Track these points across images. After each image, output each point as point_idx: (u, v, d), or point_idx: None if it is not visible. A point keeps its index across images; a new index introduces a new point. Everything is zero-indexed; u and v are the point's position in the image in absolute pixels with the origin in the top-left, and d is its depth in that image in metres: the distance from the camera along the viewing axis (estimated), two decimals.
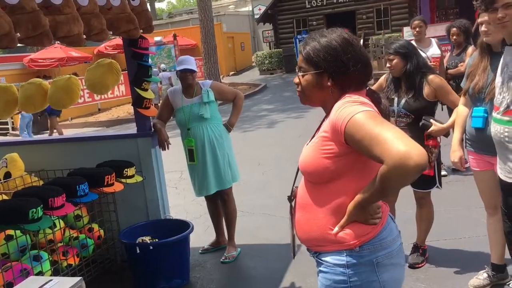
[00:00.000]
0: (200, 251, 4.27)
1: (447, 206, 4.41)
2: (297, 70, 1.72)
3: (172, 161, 8.15)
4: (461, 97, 3.14)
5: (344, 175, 1.59)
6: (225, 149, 4.00)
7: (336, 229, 1.60)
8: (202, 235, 4.54)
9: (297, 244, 1.84)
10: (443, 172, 5.49)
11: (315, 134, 1.76)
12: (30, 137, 10.40)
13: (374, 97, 1.69)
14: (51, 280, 1.71)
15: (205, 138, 3.94)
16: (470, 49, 5.36)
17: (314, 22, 22.14)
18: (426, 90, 3.33)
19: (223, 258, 4.06)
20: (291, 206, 1.79)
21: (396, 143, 1.39)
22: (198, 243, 4.30)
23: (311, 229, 1.66)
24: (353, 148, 1.54)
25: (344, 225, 1.59)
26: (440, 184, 3.49)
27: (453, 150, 3.06)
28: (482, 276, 3.08)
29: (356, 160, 1.58)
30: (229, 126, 4.11)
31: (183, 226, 3.71)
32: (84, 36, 3.00)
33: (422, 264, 3.48)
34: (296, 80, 1.72)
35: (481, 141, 2.85)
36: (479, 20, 2.47)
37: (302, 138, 8.61)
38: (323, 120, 1.72)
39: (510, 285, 2.99)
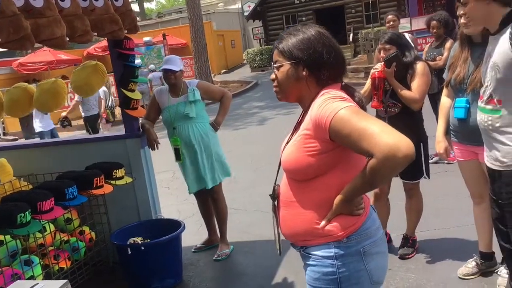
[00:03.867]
0: (193, 250, 4.28)
1: (435, 196, 4.45)
2: (272, 66, 1.73)
3: (164, 161, 8.15)
4: (444, 89, 3.17)
5: (328, 171, 1.61)
6: (211, 147, 4.01)
7: (323, 222, 1.62)
8: (195, 234, 4.55)
9: (282, 240, 1.85)
10: (434, 159, 5.55)
11: (293, 132, 1.77)
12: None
13: (349, 90, 1.70)
14: (36, 284, 1.71)
15: (191, 137, 3.94)
16: (449, 42, 5.40)
17: (304, 18, 22.14)
18: (411, 78, 3.36)
19: (215, 256, 4.07)
20: (274, 204, 1.80)
21: (384, 137, 1.42)
22: (191, 242, 4.31)
23: (297, 225, 1.68)
24: (338, 144, 1.56)
25: (331, 218, 1.61)
26: (428, 175, 3.52)
27: (438, 141, 3.09)
28: (470, 265, 3.12)
29: (340, 155, 1.60)
30: (215, 125, 4.11)
31: (175, 226, 3.72)
32: (68, 39, 3.00)
33: (412, 255, 3.51)
34: (272, 76, 1.73)
35: (464, 131, 2.88)
36: (458, 12, 2.49)
37: None
38: (301, 117, 1.74)
39: (498, 272, 3.02)
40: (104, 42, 18.96)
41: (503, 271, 2.98)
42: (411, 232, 3.61)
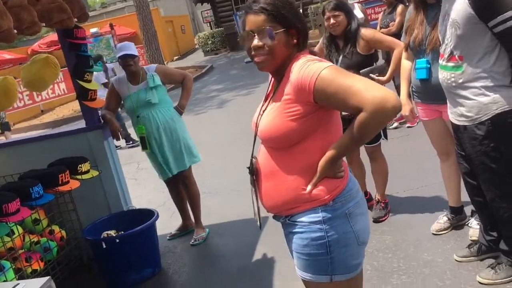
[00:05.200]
0: (168, 238, 4.23)
1: (400, 159, 4.56)
2: (253, 34, 1.63)
3: (127, 152, 8.00)
4: (403, 52, 3.22)
5: (310, 135, 1.61)
6: (178, 132, 3.94)
7: (309, 187, 1.62)
8: (167, 222, 4.50)
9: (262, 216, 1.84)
10: (394, 124, 5.69)
11: (264, 103, 1.76)
12: None
13: (317, 54, 1.71)
14: (17, 284, 1.63)
15: (156, 123, 3.86)
16: (399, 8, 5.50)
17: None
18: (360, 45, 3.44)
19: (192, 241, 4.04)
20: (252, 177, 1.78)
21: (372, 91, 1.46)
22: (165, 230, 4.26)
23: (281, 194, 1.67)
24: (322, 105, 1.56)
25: (317, 182, 1.61)
26: (386, 136, 3.63)
27: (402, 104, 3.14)
28: (442, 220, 3.22)
29: (322, 117, 1.61)
30: (179, 109, 4.04)
31: (148, 215, 3.65)
32: (16, 31, 2.84)
33: (386, 217, 3.60)
34: (259, 43, 1.62)
35: (427, 91, 2.94)
36: None
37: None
38: (271, 86, 1.74)
39: (469, 225, 3.14)
40: (48, 38, 18.29)
41: (473, 222, 3.10)
42: (382, 195, 3.69)
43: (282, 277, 3.20)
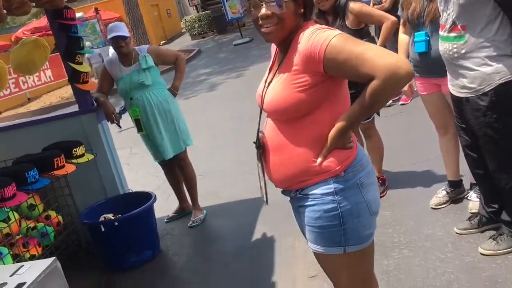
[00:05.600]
0: (165, 221, 4.21)
1: (396, 136, 4.56)
2: (260, 2, 1.58)
3: (119, 137, 7.91)
4: (400, 27, 3.20)
5: (319, 106, 1.59)
6: (173, 113, 3.89)
7: (319, 159, 1.60)
8: (164, 205, 4.46)
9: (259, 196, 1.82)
10: (389, 102, 5.68)
11: (268, 75, 1.73)
12: None
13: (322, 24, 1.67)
14: (22, 266, 1.60)
15: (150, 105, 3.80)
16: None
17: None
18: (349, 19, 3.41)
19: (190, 222, 4.02)
20: (258, 152, 1.75)
21: (384, 57, 1.44)
22: (162, 213, 4.23)
23: (291, 167, 1.65)
24: (331, 74, 1.54)
25: (327, 153, 1.59)
26: (378, 113, 3.63)
27: None
28: (441, 194, 3.24)
29: (330, 88, 1.58)
30: (173, 90, 3.99)
31: (145, 198, 3.62)
32: (5, 12, 2.76)
33: (384, 194, 3.60)
34: (267, 12, 1.57)
35: (426, 65, 2.92)
36: None
37: (246, 96, 8.58)
38: (275, 58, 1.71)
39: (468, 198, 3.15)
40: (32, 24, 17.96)
41: (472, 195, 3.11)
42: (378, 171, 3.69)
43: (282, 255, 3.21)
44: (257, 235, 3.59)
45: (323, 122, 1.60)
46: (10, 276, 1.53)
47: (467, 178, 3.17)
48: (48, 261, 1.59)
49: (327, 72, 1.53)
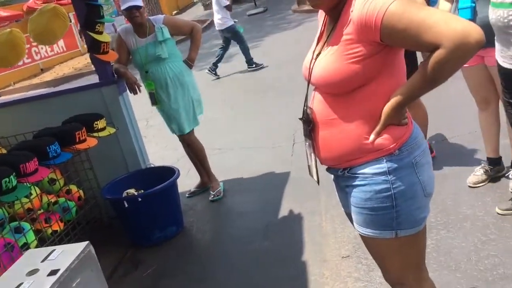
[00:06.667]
0: (187, 195, 4.12)
1: (432, 109, 4.35)
2: None
3: (134, 108, 7.80)
4: None
5: (374, 78, 1.44)
6: (188, 86, 3.77)
7: (372, 136, 1.46)
8: (184, 179, 4.35)
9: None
10: None
11: (316, 46, 1.57)
12: None
13: None
14: (54, 250, 1.49)
15: (166, 79, 3.68)
16: None
17: None
18: None
19: (211, 197, 3.93)
20: (308, 128, 1.61)
21: (451, 23, 1.27)
22: (183, 188, 4.12)
23: (342, 144, 1.51)
24: (384, 46, 1.39)
25: (381, 130, 1.46)
26: None
27: None
28: (479, 172, 3.08)
29: (386, 59, 1.43)
30: (189, 62, 3.85)
31: (168, 172, 3.52)
32: None
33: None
34: None
35: None
36: None
37: (265, 67, 8.28)
38: (324, 27, 1.56)
39: (510, 176, 2.99)
40: None
41: None
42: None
43: (311, 234, 3.10)
44: (283, 212, 3.48)
45: (377, 95, 1.46)
46: (41, 261, 1.42)
47: (507, 155, 3.00)
48: (81, 245, 1.48)
49: (384, 41, 1.38)
